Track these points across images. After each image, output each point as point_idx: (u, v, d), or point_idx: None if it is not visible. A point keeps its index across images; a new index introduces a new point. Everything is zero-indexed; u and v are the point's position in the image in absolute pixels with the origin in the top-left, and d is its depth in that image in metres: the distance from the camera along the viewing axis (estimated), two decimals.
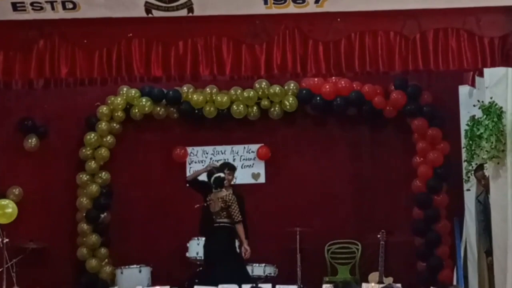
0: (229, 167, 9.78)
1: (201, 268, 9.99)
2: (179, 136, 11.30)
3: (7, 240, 9.50)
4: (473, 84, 9.55)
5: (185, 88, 11.06)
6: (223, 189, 9.37)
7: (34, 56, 7.35)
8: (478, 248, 9.37)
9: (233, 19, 7.32)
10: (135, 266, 10.24)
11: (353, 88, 10.95)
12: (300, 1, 7.12)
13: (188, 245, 10.25)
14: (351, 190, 11.14)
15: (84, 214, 10.91)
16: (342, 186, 11.14)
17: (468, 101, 9.80)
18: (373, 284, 8.70)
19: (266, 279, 9.80)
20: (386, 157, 11.08)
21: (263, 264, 10.08)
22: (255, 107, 11.07)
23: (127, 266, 10.26)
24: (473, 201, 9.52)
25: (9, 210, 9.49)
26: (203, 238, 9.69)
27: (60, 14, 7.17)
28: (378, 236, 10.23)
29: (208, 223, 9.39)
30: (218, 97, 10.97)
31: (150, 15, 7.20)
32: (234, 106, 11.00)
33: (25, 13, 7.15)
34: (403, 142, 11.06)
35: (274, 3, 7.12)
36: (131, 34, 7.37)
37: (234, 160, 11.07)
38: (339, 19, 7.32)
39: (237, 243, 9.48)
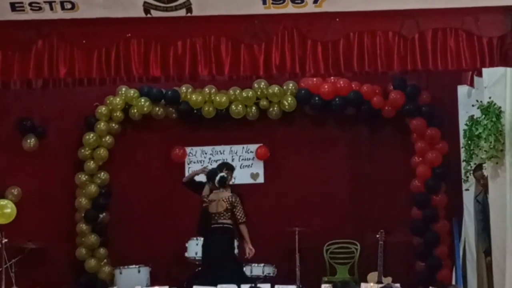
0: (228, 167, 9.79)
1: (200, 268, 9.99)
2: (178, 136, 11.30)
3: (6, 240, 9.48)
4: (471, 84, 9.56)
5: (184, 88, 11.06)
6: (225, 190, 9.38)
7: (32, 56, 7.35)
8: (477, 248, 9.38)
9: (232, 19, 7.32)
10: (134, 266, 10.24)
11: (352, 88, 10.96)
12: (299, 1, 7.11)
13: (187, 245, 10.25)
14: (350, 190, 11.15)
15: (83, 214, 10.91)
16: (341, 186, 11.15)
17: (467, 101, 9.80)
18: (372, 284, 8.70)
19: (265, 279, 9.81)
20: (385, 157, 11.08)
21: (262, 264, 10.07)
22: (254, 107, 11.07)
23: (126, 266, 10.26)
24: (472, 201, 9.52)
25: (8, 210, 9.48)
26: (202, 238, 9.69)
27: (59, 14, 7.17)
28: (377, 236, 10.24)
29: (208, 224, 9.39)
30: (217, 97, 10.97)
31: (148, 15, 7.19)
32: (233, 106, 11.00)
33: (24, 13, 7.14)
34: (401, 142, 11.07)
35: (272, 3, 7.12)
36: (129, 34, 7.37)
37: (233, 160, 11.08)
38: (337, 19, 7.32)
39: (235, 244, 9.49)
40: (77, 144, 11.07)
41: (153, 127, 11.28)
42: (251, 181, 11.23)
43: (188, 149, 11.26)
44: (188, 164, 11.23)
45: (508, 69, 7.79)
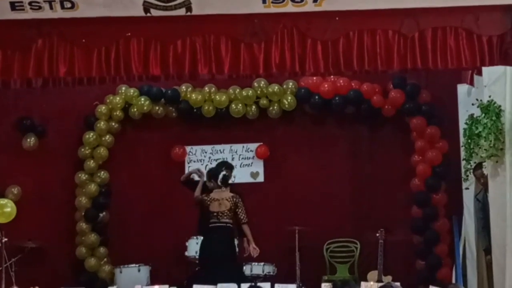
0: (227, 166, 9.79)
1: (200, 267, 9.99)
2: (177, 135, 11.30)
3: (5, 239, 9.47)
4: (471, 83, 9.55)
5: (183, 87, 11.06)
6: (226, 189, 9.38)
7: (32, 55, 7.36)
8: (477, 246, 9.38)
9: (232, 18, 7.33)
10: (134, 265, 10.22)
11: (352, 86, 10.96)
12: (299, 0, 7.12)
13: (187, 244, 10.23)
14: (350, 189, 11.14)
15: (83, 213, 10.91)
16: (341, 185, 11.14)
17: (467, 100, 9.80)
18: (372, 282, 8.67)
19: (265, 278, 9.79)
20: (385, 156, 11.07)
21: (262, 263, 10.05)
22: (253, 106, 11.07)
23: (126, 265, 10.24)
24: (472, 199, 9.52)
25: (8, 209, 9.47)
26: (202, 237, 9.68)
27: (59, 13, 7.18)
28: (377, 234, 10.24)
29: (208, 222, 9.38)
30: (217, 96, 10.96)
31: (148, 14, 7.20)
32: (233, 105, 11.00)
33: (24, 12, 7.15)
34: (401, 140, 11.06)
35: (272, 2, 7.13)
36: (129, 33, 7.38)
37: (232, 159, 11.08)
38: (337, 18, 7.33)
39: (235, 243, 9.49)
40: (77, 143, 11.07)
41: (153, 126, 11.28)
42: (251, 180, 11.22)
43: (188, 148, 11.26)
44: (188, 163, 11.23)
45: (508, 67, 7.80)
